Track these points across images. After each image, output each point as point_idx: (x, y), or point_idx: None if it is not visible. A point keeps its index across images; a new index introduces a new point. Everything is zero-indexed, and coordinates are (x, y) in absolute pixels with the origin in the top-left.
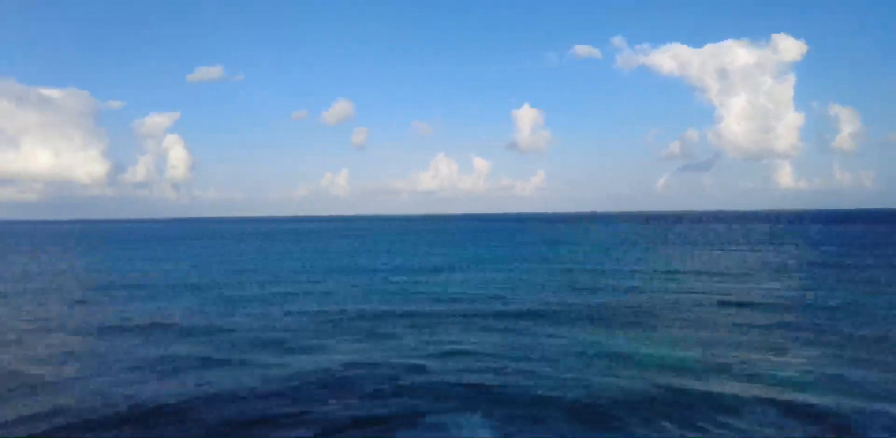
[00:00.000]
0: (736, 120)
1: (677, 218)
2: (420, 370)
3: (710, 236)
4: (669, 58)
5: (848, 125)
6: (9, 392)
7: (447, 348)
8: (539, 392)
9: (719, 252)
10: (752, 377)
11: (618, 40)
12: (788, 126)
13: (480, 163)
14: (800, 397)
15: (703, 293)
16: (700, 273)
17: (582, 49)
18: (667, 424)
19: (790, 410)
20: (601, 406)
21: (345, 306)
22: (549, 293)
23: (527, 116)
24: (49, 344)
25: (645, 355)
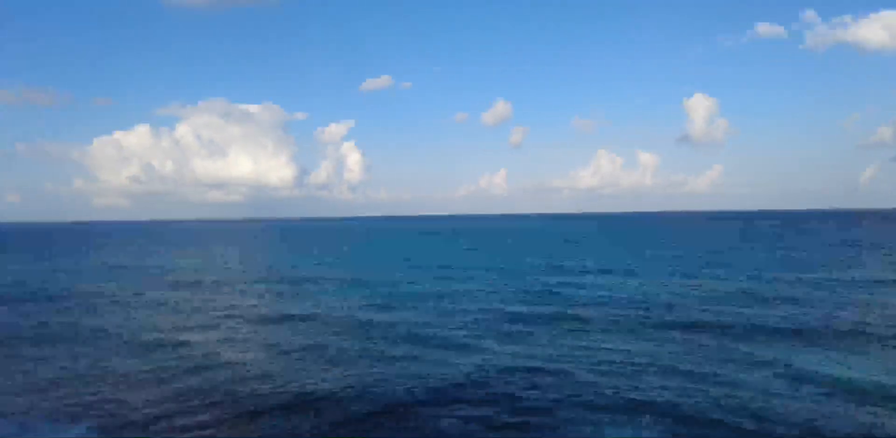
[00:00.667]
0: None
1: (889, 218)
2: (568, 376)
3: None
4: (880, 28)
5: None
6: (195, 369)
7: (603, 356)
8: (714, 415)
9: None
10: None
11: (809, 15)
12: None
13: (647, 158)
14: None
15: None
16: None
17: (764, 28)
18: None
19: None
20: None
21: (503, 306)
22: (734, 304)
23: (700, 106)
24: (233, 329)
25: (856, 380)
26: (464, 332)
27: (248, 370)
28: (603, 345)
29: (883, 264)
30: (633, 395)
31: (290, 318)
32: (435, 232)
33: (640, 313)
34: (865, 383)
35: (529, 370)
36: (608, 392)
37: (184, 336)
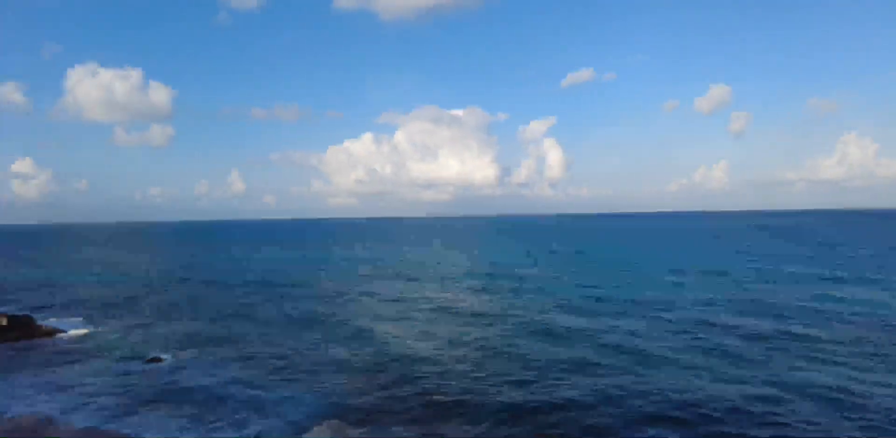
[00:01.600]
0: None
1: None
2: (780, 403)
3: None
4: None
5: None
6: (397, 359)
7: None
8: None
9: None
10: None
11: None
12: None
13: None
14: None
15: None
16: None
17: None
18: None
19: None
20: None
21: (718, 319)
22: None
23: None
24: (438, 324)
25: None
26: (676, 346)
27: (450, 368)
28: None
29: None
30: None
31: (495, 316)
32: (639, 229)
33: None
34: None
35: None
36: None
37: (390, 328)
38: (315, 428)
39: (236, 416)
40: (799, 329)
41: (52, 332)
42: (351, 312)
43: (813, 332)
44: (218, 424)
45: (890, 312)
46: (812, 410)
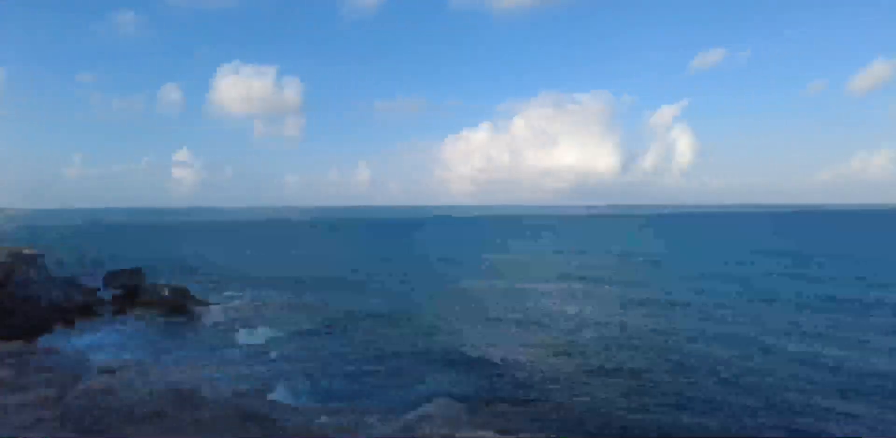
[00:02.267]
0: None
1: None
2: None
3: None
4: None
5: None
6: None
7: None
8: None
9: None
10: None
11: None
12: None
13: None
14: None
15: None
16: None
17: None
18: None
19: None
20: None
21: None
22: None
23: None
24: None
25: None
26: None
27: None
28: None
29: None
30: None
31: (594, 323)
32: (792, 226)
33: None
34: None
35: None
36: None
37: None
38: (426, 405)
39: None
40: None
41: (205, 303)
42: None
43: None
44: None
45: None
46: None
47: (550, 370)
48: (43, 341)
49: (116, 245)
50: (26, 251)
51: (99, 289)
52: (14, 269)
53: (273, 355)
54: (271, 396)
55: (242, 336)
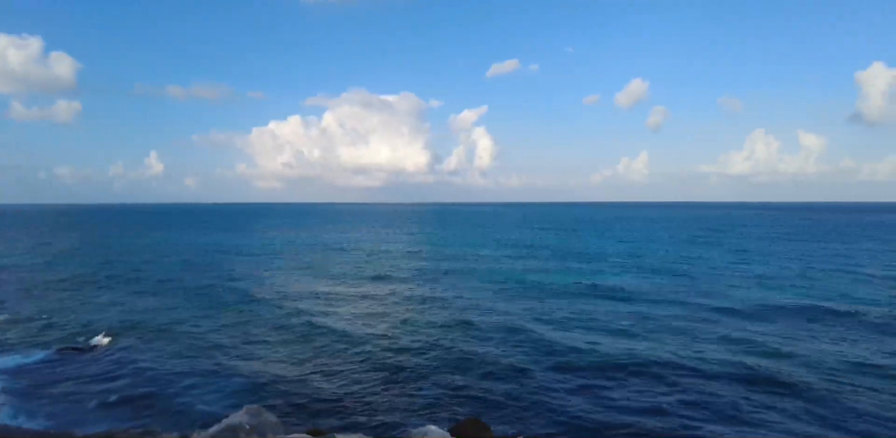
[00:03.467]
0: None
1: None
2: None
3: None
4: None
5: None
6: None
7: None
8: None
9: None
10: None
11: None
12: None
13: (811, 140)
14: None
15: None
16: None
17: None
18: None
19: None
20: None
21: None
22: None
23: (878, 79)
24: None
25: None
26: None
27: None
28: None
29: None
30: None
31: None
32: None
33: None
34: None
35: None
36: None
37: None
38: (234, 414)
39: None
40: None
41: None
42: (285, 297)
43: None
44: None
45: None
46: None
47: (340, 372)
48: None
49: None
50: None
51: None
52: None
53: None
54: None
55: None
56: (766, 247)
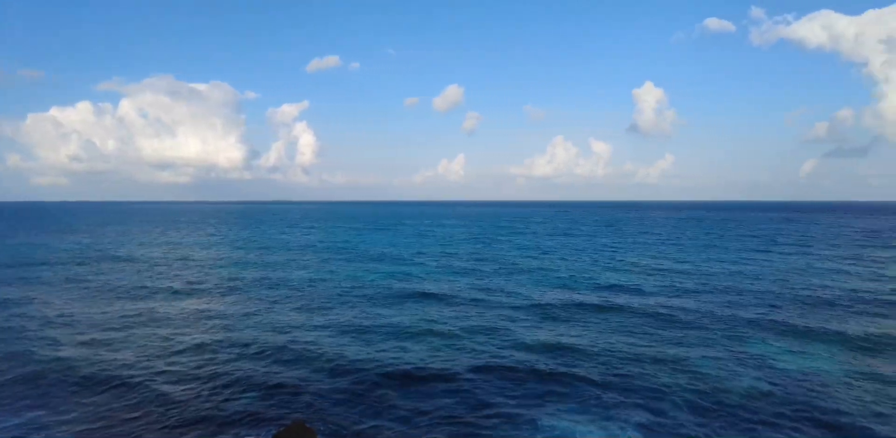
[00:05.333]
0: None
1: (829, 209)
2: None
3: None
4: (819, 28)
5: None
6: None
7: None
8: None
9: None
10: None
11: (756, 12)
12: None
13: (601, 147)
14: None
15: None
16: None
17: (713, 23)
18: None
19: None
20: None
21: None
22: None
23: (649, 96)
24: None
25: None
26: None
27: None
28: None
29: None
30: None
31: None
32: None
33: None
34: None
35: None
36: None
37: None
38: None
39: None
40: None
41: None
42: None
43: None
44: None
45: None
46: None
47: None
48: None
49: None
50: None
51: None
52: None
53: None
54: None
55: None
56: (544, 243)
